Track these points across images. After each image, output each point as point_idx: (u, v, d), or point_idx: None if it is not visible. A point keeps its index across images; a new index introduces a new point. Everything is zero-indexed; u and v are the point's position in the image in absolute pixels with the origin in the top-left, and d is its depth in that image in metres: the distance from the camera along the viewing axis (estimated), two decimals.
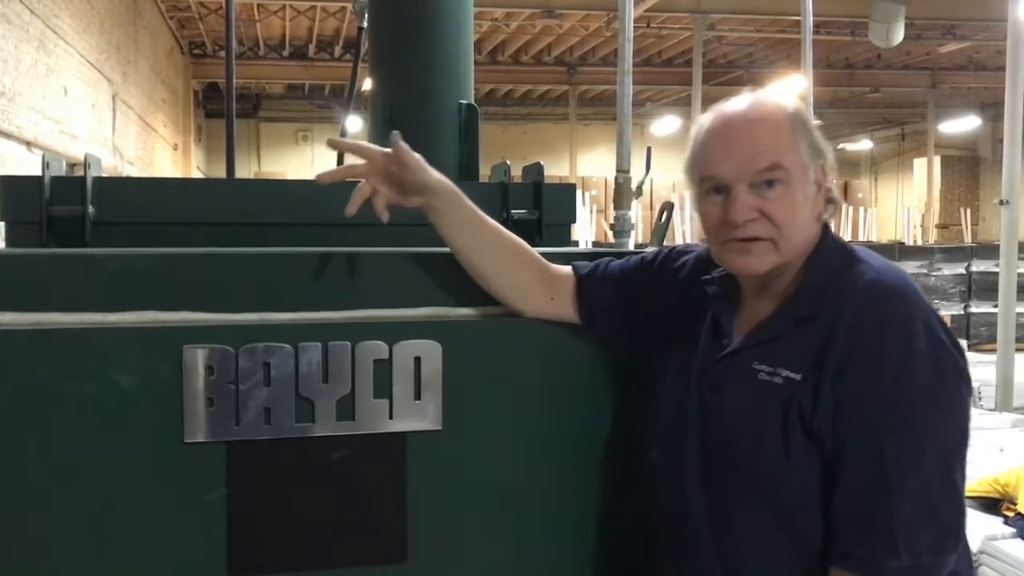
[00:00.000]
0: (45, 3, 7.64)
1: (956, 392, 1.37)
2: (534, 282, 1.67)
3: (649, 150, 2.53)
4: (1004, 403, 7.01)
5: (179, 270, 1.57)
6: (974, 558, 2.31)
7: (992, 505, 3.96)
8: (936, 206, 20.83)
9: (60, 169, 1.94)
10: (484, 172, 2.35)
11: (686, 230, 12.52)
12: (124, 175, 10.32)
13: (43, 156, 1.90)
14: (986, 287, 11.68)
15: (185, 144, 16.21)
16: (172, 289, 1.54)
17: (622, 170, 2.85)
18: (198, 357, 1.50)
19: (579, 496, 1.70)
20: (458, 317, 1.66)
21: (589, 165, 18.74)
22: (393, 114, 2.30)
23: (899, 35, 12.01)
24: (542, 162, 2.11)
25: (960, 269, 12.44)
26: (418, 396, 1.60)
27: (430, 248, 1.68)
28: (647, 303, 1.67)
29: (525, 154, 15.09)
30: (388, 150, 1.60)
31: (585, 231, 10.68)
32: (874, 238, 16.63)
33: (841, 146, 22.79)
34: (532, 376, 1.68)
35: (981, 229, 20.28)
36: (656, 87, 18.35)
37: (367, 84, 2.55)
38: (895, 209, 20.31)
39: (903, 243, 15.45)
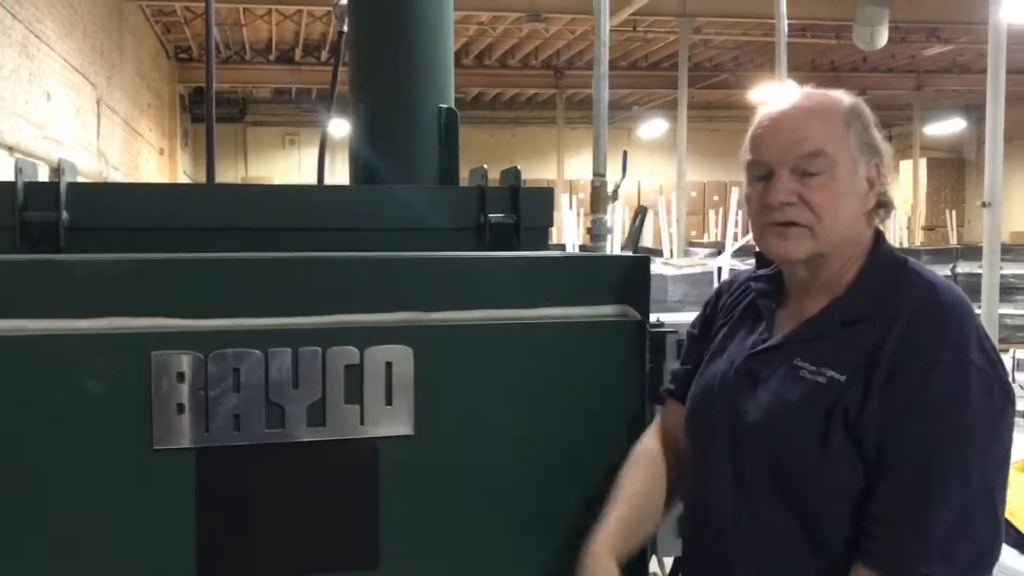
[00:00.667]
0: (27, 7, 7.60)
1: (1003, 412, 1.37)
2: (682, 464, 1.65)
3: (625, 154, 2.54)
4: None
5: (148, 276, 1.56)
6: None
7: None
8: (922, 208, 20.93)
9: (36, 175, 1.92)
10: (464, 176, 2.35)
11: (672, 233, 12.49)
12: (109, 180, 10.27)
13: (15, 161, 1.89)
14: (972, 288, 11.65)
15: (171, 149, 16.14)
16: (142, 295, 1.53)
17: (598, 174, 2.84)
18: (168, 363, 1.50)
19: (552, 499, 1.70)
20: (430, 322, 1.65)
21: (576, 168, 18.71)
22: (373, 118, 2.30)
23: (883, 38, 12.07)
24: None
25: (946, 271, 12.48)
26: (389, 401, 1.59)
27: (402, 253, 1.67)
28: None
29: (512, 158, 14.99)
30: None
31: (572, 234, 10.66)
32: None
33: None
34: (504, 381, 1.67)
35: (967, 231, 20.36)
36: (642, 90, 18.40)
37: None
38: None
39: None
